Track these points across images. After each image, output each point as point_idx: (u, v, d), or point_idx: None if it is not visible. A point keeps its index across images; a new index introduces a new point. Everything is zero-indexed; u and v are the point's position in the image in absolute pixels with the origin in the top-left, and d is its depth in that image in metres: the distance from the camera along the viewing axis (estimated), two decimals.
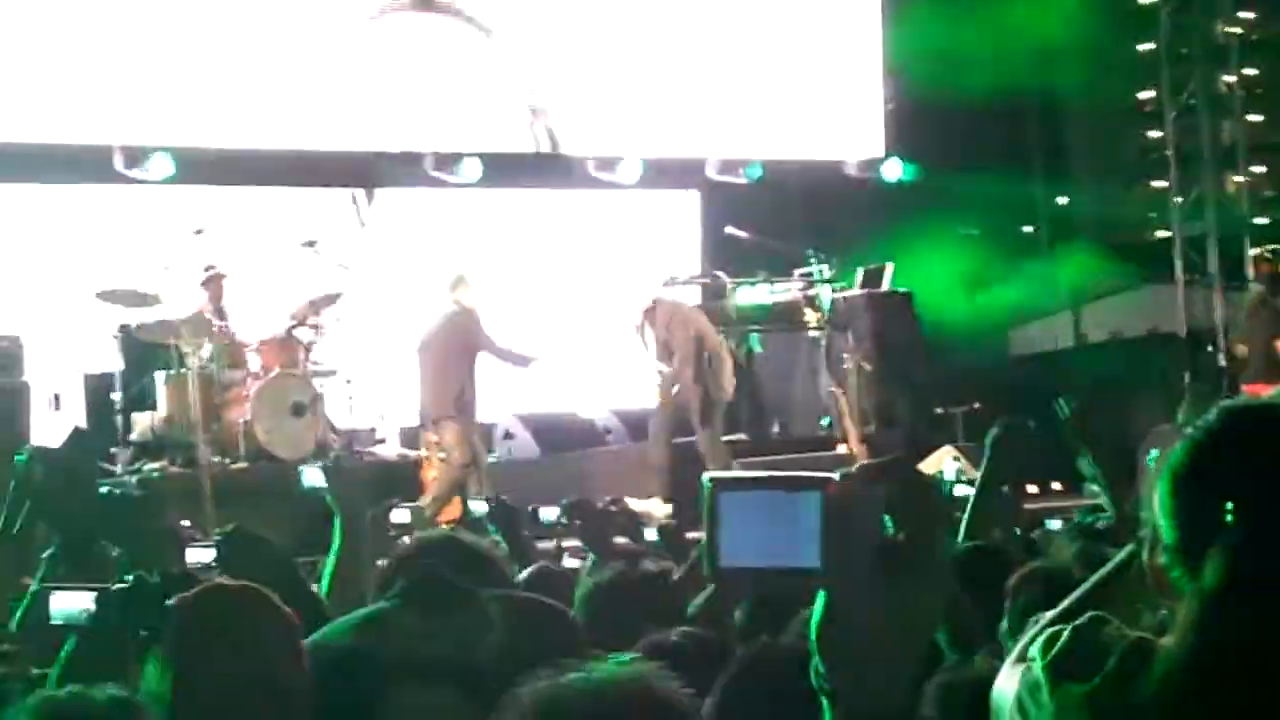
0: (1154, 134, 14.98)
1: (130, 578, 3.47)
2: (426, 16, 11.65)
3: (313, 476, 7.96)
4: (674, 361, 10.03)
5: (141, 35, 10.61)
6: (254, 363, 10.09)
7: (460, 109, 11.60)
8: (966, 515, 4.23)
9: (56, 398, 10.05)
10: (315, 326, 10.12)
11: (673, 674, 1.60)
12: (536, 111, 11.76)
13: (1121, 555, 2.18)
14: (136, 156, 10.20)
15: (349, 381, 10.53)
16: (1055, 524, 5.58)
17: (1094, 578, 2.20)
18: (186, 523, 6.81)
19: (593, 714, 1.48)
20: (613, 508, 7.51)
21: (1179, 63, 13.90)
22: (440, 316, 9.76)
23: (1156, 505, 1.69)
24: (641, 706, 1.49)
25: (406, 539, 4.62)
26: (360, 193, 11.53)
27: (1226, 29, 13.90)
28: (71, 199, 11.03)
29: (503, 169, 11.38)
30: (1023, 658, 1.85)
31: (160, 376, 9.96)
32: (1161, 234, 14.33)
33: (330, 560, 4.18)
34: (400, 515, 6.53)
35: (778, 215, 12.33)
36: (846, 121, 12.94)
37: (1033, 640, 1.85)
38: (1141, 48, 13.95)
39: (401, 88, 11.43)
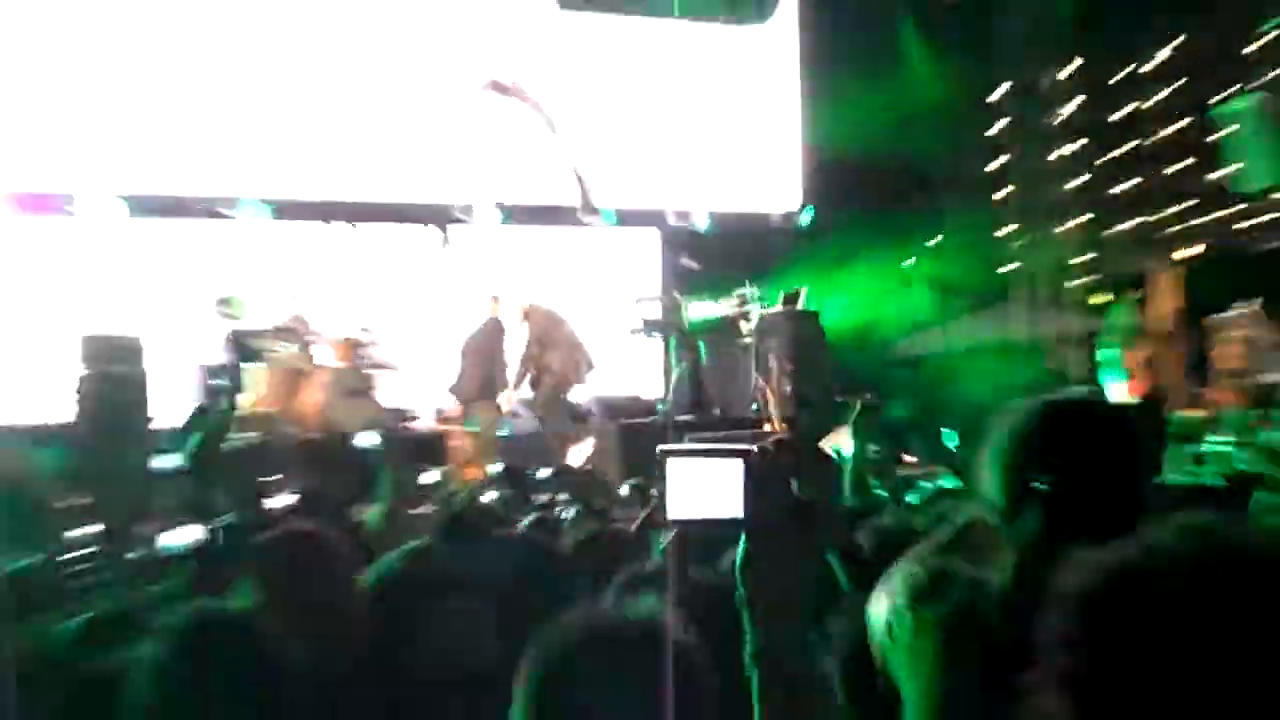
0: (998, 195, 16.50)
1: (230, 517, 4.41)
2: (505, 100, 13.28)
3: (366, 441, 9.19)
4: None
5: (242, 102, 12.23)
6: (328, 357, 11.71)
7: (500, 163, 13.18)
8: (849, 475, 4.58)
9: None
10: (368, 332, 11.85)
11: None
12: (575, 173, 13.48)
13: (964, 516, 2.39)
14: (233, 203, 12.03)
15: (396, 371, 12.08)
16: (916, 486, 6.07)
17: (944, 531, 2.40)
18: (276, 477, 7.87)
19: (620, 640, 1.65)
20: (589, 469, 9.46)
21: (1022, 141, 16.05)
22: (479, 324, 11.84)
23: (987, 479, 2.09)
24: (657, 638, 1.62)
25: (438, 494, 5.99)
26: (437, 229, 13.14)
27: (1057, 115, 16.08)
28: (191, 233, 12.44)
29: (524, 213, 13.35)
30: (890, 590, 2.14)
31: (254, 368, 11.45)
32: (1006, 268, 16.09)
33: (378, 506, 4.87)
34: (430, 476, 8.02)
35: (720, 251, 14.22)
36: (772, 180, 14.94)
37: (897, 578, 2.16)
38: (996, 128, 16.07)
39: (455, 145, 12.99)
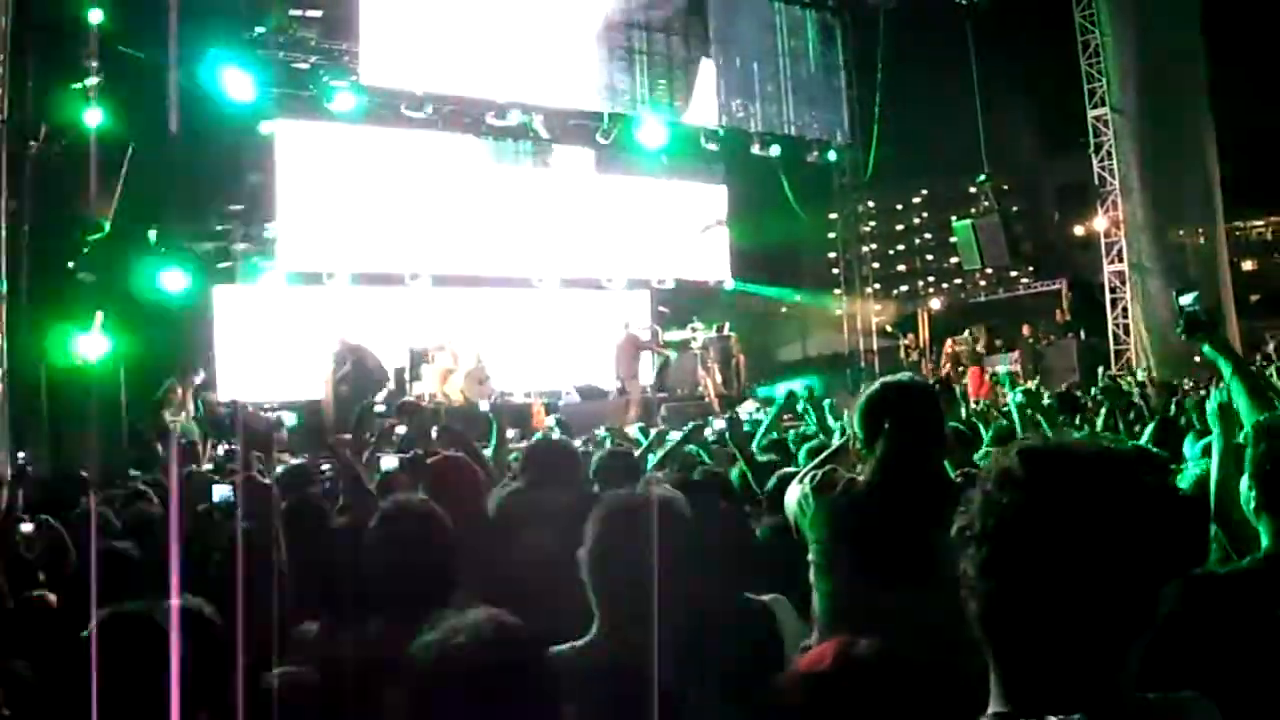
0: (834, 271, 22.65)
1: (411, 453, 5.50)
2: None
3: (485, 408, 13.14)
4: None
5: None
6: (469, 361, 15.99)
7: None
8: (765, 424, 6.47)
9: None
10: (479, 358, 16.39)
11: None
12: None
13: (841, 441, 3.62)
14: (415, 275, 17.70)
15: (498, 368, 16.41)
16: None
17: (830, 451, 3.62)
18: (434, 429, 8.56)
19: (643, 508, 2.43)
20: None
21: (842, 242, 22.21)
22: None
23: (854, 423, 3.15)
24: (674, 505, 2.46)
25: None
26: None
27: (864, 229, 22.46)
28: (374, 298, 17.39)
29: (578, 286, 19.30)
30: (800, 481, 3.22)
31: (426, 368, 16.05)
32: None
33: (491, 448, 6.23)
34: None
35: (682, 303, 19.93)
36: (713, 262, 20.74)
37: (805, 475, 3.23)
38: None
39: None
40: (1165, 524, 1.40)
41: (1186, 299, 3.80)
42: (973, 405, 9.97)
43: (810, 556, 3.10)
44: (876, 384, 3.25)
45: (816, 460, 3.51)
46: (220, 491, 3.56)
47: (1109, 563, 1.36)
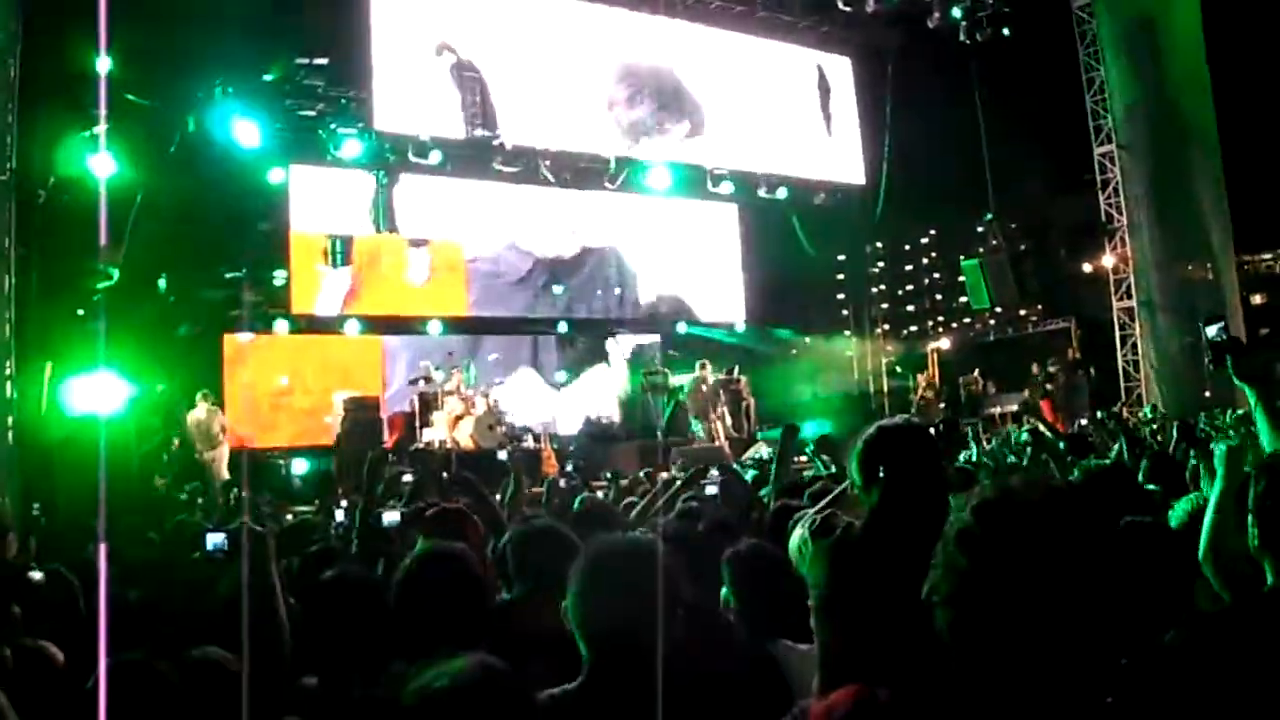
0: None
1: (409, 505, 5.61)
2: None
3: (500, 454, 14.88)
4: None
5: None
6: (480, 406, 16.41)
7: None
8: (774, 470, 5.80)
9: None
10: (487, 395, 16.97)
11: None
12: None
13: (842, 487, 3.51)
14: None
15: (508, 413, 17.18)
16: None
17: (832, 495, 3.61)
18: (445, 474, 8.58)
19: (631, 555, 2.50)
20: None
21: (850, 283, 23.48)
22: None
23: (851, 467, 3.06)
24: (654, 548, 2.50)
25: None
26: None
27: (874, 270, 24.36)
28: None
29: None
30: (800, 527, 3.21)
31: (437, 414, 16.32)
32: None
33: (509, 496, 6.50)
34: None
35: (692, 347, 20.21)
36: (726, 304, 21.27)
37: (806, 520, 3.23)
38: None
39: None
40: (1117, 556, 1.43)
41: (1212, 329, 3.77)
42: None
43: (810, 602, 3.07)
44: (873, 427, 3.19)
45: (820, 505, 3.51)
46: (213, 540, 3.44)
47: (1071, 610, 1.38)
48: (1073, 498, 1.45)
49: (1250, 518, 2.61)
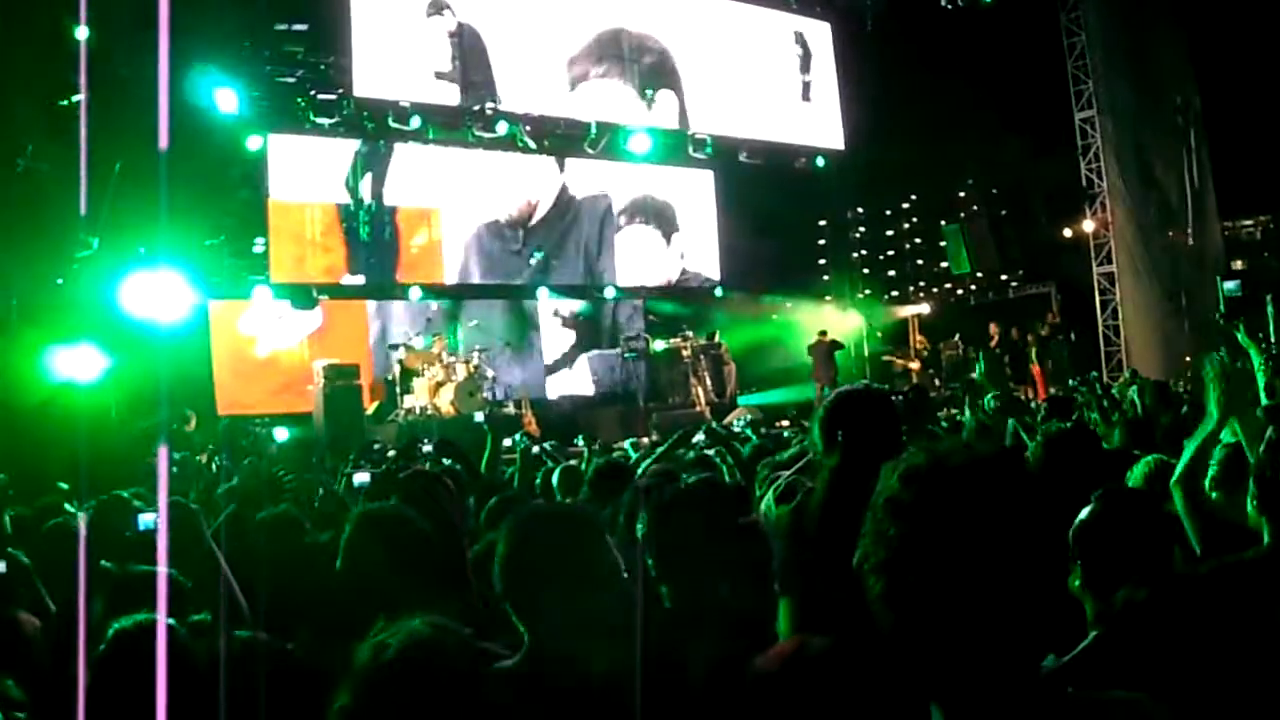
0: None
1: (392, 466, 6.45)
2: None
3: (478, 418, 14.38)
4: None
5: None
6: (461, 373, 16.27)
7: None
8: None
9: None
10: (485, 356, 17.01)
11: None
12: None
13: (808, 457, 3.67)
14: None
15: (493, 378, 17.21)
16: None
17: (801, 462, 3.80)
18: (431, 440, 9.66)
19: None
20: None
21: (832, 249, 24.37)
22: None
23: (814, 433, 3.19)
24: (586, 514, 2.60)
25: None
26: None
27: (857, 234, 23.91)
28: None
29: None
30: (768, 493, 3.41)
31: (418, 381, 16.25)
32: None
33: (486, 455, 7.11)
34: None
35: (671, 314, 20.69)
36: (704, 267, 20.93)
37: (773, 487, 3.44)
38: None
39: None
40: (1047, 521, 1.43)
41: (1230, 285, 3.88)
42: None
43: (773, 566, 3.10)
44: (834, 393, 3.26)
45: (790, 472, 3.60)
46: (144, 519, 3.47)
47: (1002, 572, 1.38)
48: (999, 463, 1.46)
49: (1251, 482, 2.74)
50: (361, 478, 5.23)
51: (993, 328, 19.85)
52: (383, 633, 2.09)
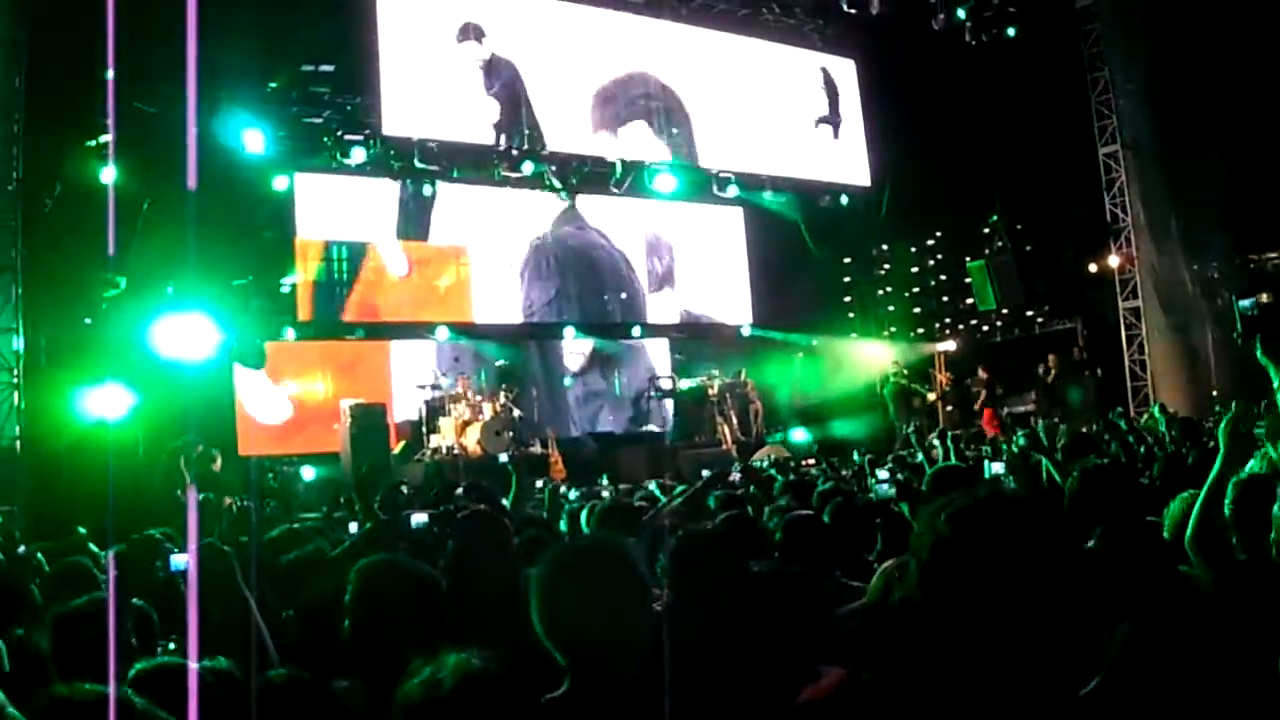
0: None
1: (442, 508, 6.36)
2: None
3: (504, 459, 15.49)
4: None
5: None
6: (487, 412, 16.17)
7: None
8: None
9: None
10: (511, 395, 16.94)
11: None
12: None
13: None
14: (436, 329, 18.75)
15: (520, 418, 16.87)
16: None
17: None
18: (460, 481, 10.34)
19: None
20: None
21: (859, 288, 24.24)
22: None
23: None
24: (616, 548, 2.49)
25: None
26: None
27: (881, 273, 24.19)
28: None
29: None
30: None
31: (444, 420, 16.28)
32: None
33: (511, 495, 7.04)
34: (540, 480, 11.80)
35: (697, 351, 20.74)
36: (731, 306, 21.19)
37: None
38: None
39: None
40: (1074, 560, 1.53)
41: (1245, 303, 3.81)
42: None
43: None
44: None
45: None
46: (176, 560, 3.46)
47: (1034, 611, 1.47)
48: (1029, 508, 1.55)
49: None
50: (420, 518, 5.25)
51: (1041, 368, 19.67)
52: (424, 669, 2.03)
